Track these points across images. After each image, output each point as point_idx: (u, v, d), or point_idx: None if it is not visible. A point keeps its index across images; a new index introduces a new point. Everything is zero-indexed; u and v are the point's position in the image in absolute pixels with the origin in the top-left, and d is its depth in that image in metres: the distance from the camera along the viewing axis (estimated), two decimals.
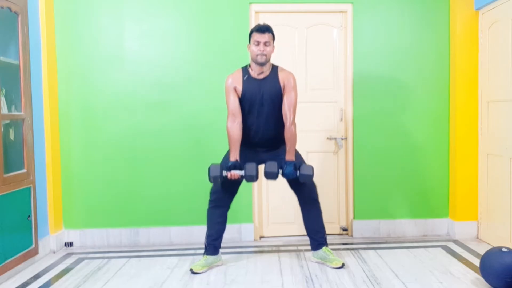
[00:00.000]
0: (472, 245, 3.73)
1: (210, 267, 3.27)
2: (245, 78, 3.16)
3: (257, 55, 3.08)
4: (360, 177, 4.05)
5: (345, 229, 4.13)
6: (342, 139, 4.07)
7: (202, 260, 3.28)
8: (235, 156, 3.13)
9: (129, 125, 3.93)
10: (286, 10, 4.01)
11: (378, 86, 4.02)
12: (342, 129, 4.09)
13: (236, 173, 3.08)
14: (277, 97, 3.16)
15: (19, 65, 3.33)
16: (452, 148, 4.00)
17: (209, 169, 3.10)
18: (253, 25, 3.95)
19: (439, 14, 4.00)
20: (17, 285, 3.05)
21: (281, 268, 3.28)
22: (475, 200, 3.93)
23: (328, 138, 4.09)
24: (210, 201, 3.31)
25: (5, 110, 3.21)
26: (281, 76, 3.17)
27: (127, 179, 3.94)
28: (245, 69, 3.21)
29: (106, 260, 3.55)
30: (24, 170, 3.36)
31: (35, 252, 3.46)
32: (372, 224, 4.06)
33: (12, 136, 3.38)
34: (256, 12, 3.98)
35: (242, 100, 3.16)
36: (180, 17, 3.94)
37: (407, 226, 4.06)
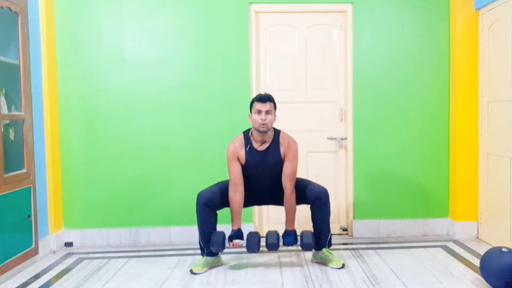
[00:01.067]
0: (472, 245, 3.73)
1: (210, 267, 3.27)
2: (247, 149, 3.20)
3: (259, 125, 3.11)
4: (360, 177, 4.05)
5: (345, 229, 4.13)
6: (342, 139, 4.07)
7: (202, 260, 3.28)
8: (237, 225, 3.20)
9: (129, 125, 3.93)
10: (286, 10, 4.01)
11: (378, 86, 4.02)
12: (342, 129, 4.09)
13: (238, 243, 3.17)
14: (279, 166, 3.23)
15: (19, 65, 3.33)
16: (452, 148, 4.00)
17: (212, 239, 3.14)
18: (253, 25, 3.96)
19: (439, 14, 4.00)
20: (17, 285, 3.05)
21: (281, 268, 3.28)
22: (475, 200, 3.93)
23: (328, 138, 4.09)
24: (201, 203, 3.20)
25: (5, 110, 3.21)
26: (282, 144, 3.22)
27: (127, 179, 3.94)
28: (246, 137, 3.23)
29: (106, 260, 3.55)
30: (24, 170, 3.36)
31: (35, 252, 3.46)
32: (372, 224, 4.06)
33: (12, 136, 3.38)
34: (256, 12, 3.98)
35: (244, 168, 3.22)
36: (180, 17, 3.94)
37: (407, 226, 4.06)
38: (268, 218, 4.10)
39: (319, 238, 3.29)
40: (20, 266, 3.29)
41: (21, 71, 3.33)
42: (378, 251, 3.65)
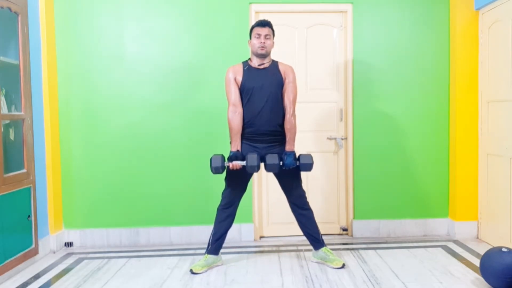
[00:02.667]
0: (472, 245, 3.73)
1: (210, 267, 3.27)
2: (245, 68, 3.22)
3: (257, 47, 3.15)
4: (360, 177, 4.05)
5: (345, 229, 4.13)
6: (342, 139, 4.07)
7: (202, 260, 3.28)
8: (236, 147, 3.16)
9: (129, 125, 3.93)
10: (286, 10, 4.01)
11: (378, 86, 4.02)
12: (342, 129, 4.09)
13: (237, 163, 3.10)
14: (278, 86, 3.20)
15: (19, 65, 3.33)
16: (452, 148, 4.00)
17: (211, 160, 3.12)
18: None
19: (439, 14, 4.00)
20: (17, 285, 3.05)
21: (281, 268, 3.28)
22: (475, 200, 3.93)
23: (328, 138, 4.09)
24: (221, 203, 3.30)
25: (5, 110, 3.21)
26: (281, 68, 3.25)
27: (127, 179, 3.94)
28: (245, 62, 3.28)
29: (106, 260, 3.55)
30: (24, 170, 3.36)
31: (35, 252, 3.46)
32: (372, 224, 4.06)
33: (12, 136, 3.38)
34: (256, 12, 3.98)
35: (242, 90, 3.20)
36: (180, 17, 3.94)
37: (407, 226, 4.06)
38: (268, 219, 4.10)
39: (313, 237, 3.33)
40: (20, 266, 3.29)
41: (21, 71, 3.33)
42: (378, 251, 3.65)
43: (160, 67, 3.94)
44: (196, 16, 3.94)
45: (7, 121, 3.30)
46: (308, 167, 3.17)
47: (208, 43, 3.94)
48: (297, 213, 3.33)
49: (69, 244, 3.93)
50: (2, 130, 3.11)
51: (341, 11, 4.04)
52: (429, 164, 4.05)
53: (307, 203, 3.33)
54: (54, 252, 3.76)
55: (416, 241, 3.89)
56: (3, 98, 3.21)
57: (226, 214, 3.27)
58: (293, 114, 3.20)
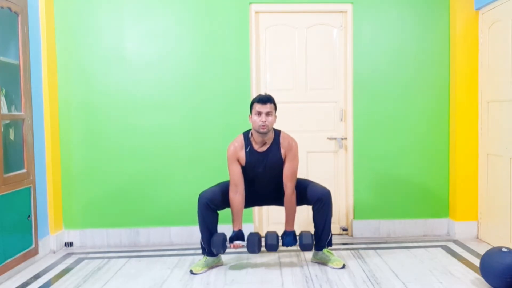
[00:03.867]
0: (472, 245, 3.73)
1: (210, 267, 3.27)
2: (247, 150, 3.20)
3: (259, 126, 3.10)
4: (360, 177, 4.05)
5: (345, 229, 4.13)
6: (342, 139, 4.07)
7: (202, 260, 3.28)
8: (238, 226, 3.21)
9: (129, 125, 3.93)
10: (286, 10, 4.01)
11: (378, 86, 4.02)
12: (342, 129, 4.09)
13: (238, 244, 3.17)
14: (279, 166, 3.23)
15: (19, 65, 3.33)
16: (452, 148, 4.00)
17: (212, 239, 3.15)
18: (253, 25, 3.96)
19: (439, 14, 4.00)
20: (17, 285, 3.05)
21: (281, 268, 3.28)
22: (475, 200, 3.93)
23: (328, 138, 4.09)
24: (203, 203, 3.19)
25: (5, 110, 3.21)
26: (282, 144, 3.21)
27: (127, 179, 3.94)
28: (246, 138, 3.23)
29: (106, 260, 3.55)
30: (24, 170, 3.36)
31: (35, 252, 3.46)
32: (372, 224, 4.06)
33: (12, 136, 3.38)
34: (256, 12, 3.98)
35: (245, 169, 3.22)
36: (180, 17, 3.94)
37: (407, 226, 4.06)
38: (268, 218, 4.10)
39: (320, 239, 3.29)
40: (20, 266, 3.29)
41: (21, 71, 3.34)
42: (378, 251, 3.65)
43: (160, 66, 3.94)
44: (196, 16, 3.94)
45: (7, 121, 3.30)
46: (308, 247, 3.23)
47: (208, 43, 3.94)
48: (314, 213, 3.27)
49: (69, 244, 3.93)
50: (2, 130, 3.11)
51: (341, 11, 4.04)
52: (429, 164, 4.05)
53: (326, 201, 3.20)
54: (54, 252, 3.76)
55: (416, 241, 3.89)
56: (3, 98, 3.21)
57: (211, 215, 3.21)
58: (293, 192, 3.21)
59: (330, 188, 4.07)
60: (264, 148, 3.20)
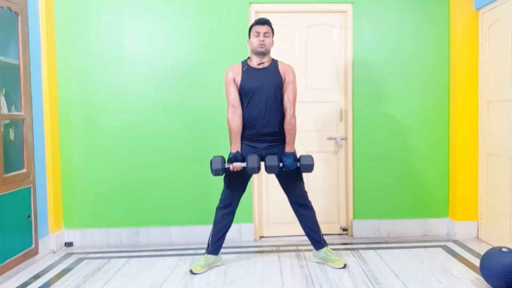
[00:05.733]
0: (472, 245, 3.73)
1: (210, 267, 3.27)
2: (244, 68, 3.20)
3: (257, 45, 3.14)
4: (360, 177, 4.05)
5: (345, 229, 4.13)
6: (342, 139, 4.07)
7: (202, 260, 3.28)
8: (236, 148, 3.16)
9: (129, 125, 3.93)
10: (286, 10, 4.01)
11: (378, 86, 4.02)
12: (342, 129, 4.09)
13: (238, 165, 3.10)
14: (277, 87, 3.18)
15: (19, 65, 3.33)
16: (452, 148, 4.00)
17: (211, 162, 3.12)
18: None
19: (439, 14, 4.00)
20: (17, 285, 3.05)
21: (281, 268, 3.28)
22: (475, 200, 3.93)
23: (328, 138, 4.09)
24: (220, 203, 3.30)
25: (5, 110, 3.21)
26: (281, 68, 3.22)
27: (127, 179, 3.94)
28: (244, 62, 3.26)
29: (106, 260, 3.55)
30: (24, 170, 3.36)
31: (35, 252, 3.46)
32: (372, 224, 4.06)
33: (12, 136, 3.38)
34: (256, 12, 3.98)
35: (241, 92, 3.18)
36: (180, 17, 3.94)
37: (407, 226, 4.06)
38: (268, 218, 4.10)
39: (314, 238, 3.32)
40: (20, 266, 3.29)
41: (21, 71, 3.33)
42: (378, 251, 3.65)
43: (160, 67, 3.94)
44: (196, 16, 3.94)
45: (7, 121, 3.30)
46: (309, 168, 3.16)
47: (208, 43, 3.94)
48: (298, 213, 3.32)
49: (69, 244, 3.93)
50: (2, 130, 3.11)
51: (341, 11, 4.04)
52: (429, 164, 4.05)
53: (308, 203, 3.32)
54: (54, 252, 3.76)
55: (416, 241, 3.89)
56: (3, 98, 3.21)
57: (226, 213, 3.27)
58: (293, 115, 3.19)
59: (330, 188, 4.11)
60: (262, 66, 3.20)
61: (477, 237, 3.94)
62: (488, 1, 3.65)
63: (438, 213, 4.08)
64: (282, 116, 3.19)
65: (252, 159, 3.06)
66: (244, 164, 3.09)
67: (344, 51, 4.06)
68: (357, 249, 3.71)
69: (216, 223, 3.29)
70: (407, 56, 4.01)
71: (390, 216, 4.06)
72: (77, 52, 3.89)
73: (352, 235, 4.07)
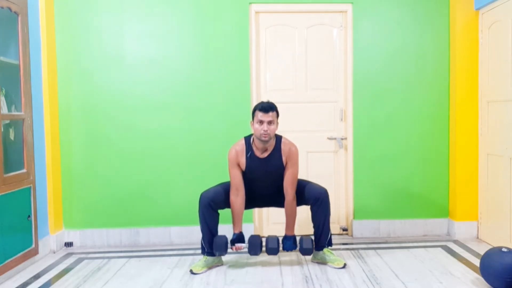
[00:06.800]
0: (472, 245, 3.73)
1: (210, 267, 3.27)
2: (248, 155, 3.20)
3: (260, 135, 3.11)
4: (360, 177, 4.04)
5: (345, 229, 4.13)
6: (342, 139, 4.07)
7: (202, 260, 3.28)
8: (238, 229, 3.24)
9: (129, 125, 3.93)
10: (286, 10, 4.01)
11: (378, 86, 4.02)
12: (342, 129, 4.09)
13: (240, 246, 3.21)
14: (280, 171, 3.25)
15: (19, 65, 3.32)
16: (452, 148, 4.00)
17: (214, 243, 3.18)
18: (253, 25, 3.96)
19: (439, 14, 4.00)
20: (17, 285, 3.05)
21: (281, 268, 3.28)
22: (475, 200, 3.93)
23: (328, 138, 4.09)
24: (204, 203, 3.19)
25: (5, 110, 3.21)
26: (284, 150, 3.22)
27: (127, 179, 3.94)
28: (248, 143, 3.23)
29: (106, 260, 3.55)
30: (24, 170, 3.36)
31: (35, 252, 3.46)
32: (372, 224, 4.06)
33: (12, 136, 3.38)
34: (256, 12, 3.98)
35: (245, 173, 3.23)
36: (180, 17, 3.94)
37: (407, 226, 4.06)
38: (268, 218, 4.10)
39: (320, 239, 3.30)
40: (20, 266, 3.29)
41: (21, 71, 3.33)
42: (378, 251, 3.65)
43: (160, 67, 3.94)
44: (196, 16, 3.94)
45: (7, 121, 3.30)
46: (308, 252, 3.26)
47: (208, 43, 3.94)
48: (313, 213, 3.27)
49: (69, 244, 3.93)
50: (2, 130, 3.11)
51: (341, 11, 4.04)
52: (429, 164, 4.05)
53: (324, 201, 3.21)
54: (54, 252, 3.76)
55: (416, 241, 3.89)
56: (3, 98, 3.21)
57: (211, 214, 3.21)
58: (294, 198, 3.23)
59: (330, 188, 4.09)
60: (266, 155, 3.21)
61: (477, 237, 3.94)
62: (488, 1, 3.65)
63: (438, 213, 4.07)
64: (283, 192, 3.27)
65: (255, 243, 3.20)
66: (246, 246, 3.22)
67: (344, 51, 4.05)
68: (357, 249, 3.71)
69: (207, 225, 3.22)
70: (407, 56, 4.01)
71: (390, 216, 4.06)
72: (77, 52, 3.89)
73: (352, 235, 4.07)
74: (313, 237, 3.32)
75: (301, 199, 3.28)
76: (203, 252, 3.30)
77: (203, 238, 3.26)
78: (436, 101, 4.04)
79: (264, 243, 3.30)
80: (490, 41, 3.73)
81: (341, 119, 4.08)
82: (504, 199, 3.55)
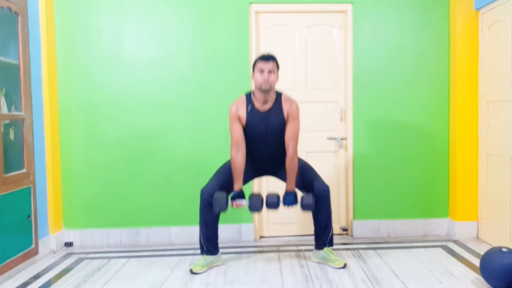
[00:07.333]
0: (472, 245, 3.73)
1: (210, 267, 3.27)
2: (249, 109, 3.17)
3: (261, 83, 3.08)
4: (360, 177, 4.05)
5: (345, 229, 4.13)
6: (342, 139, 4.07)
7: (202, 260, 3.28)
8: (239, 185, 3.16)
9: (129, 125, 3.93)
10: (286, 10, 4.01)
11: (378, 86, 4.02)
12: (342, 129, 4.09)
13: (240, 203, 3.13)
14: (281, 127, 3.19)
15: (19, 65, 3.32)
16: (452, 148, 4.00)
17: (214, 198, 3.11)
18: (253, 25, 3.96)
19: (439, 14, 4.00)
20: (17, 285, 3.05)
21: (281, 268, 3.28)
22: (475, 200, 3.93)
23: (328, 138, 4.09)
24: (206, 200, 3.19)
25: (5, 110, 3.21)
26: (284, 106, 3.19)
27: (127, 179, 3.94)
28: (248, 98, 3.21)
29: (106, 260, 3.55)
30: (24, 170, 3.36)
31: (35, 252, 3.46)
32: (372, 224, 4.06)
33: (12, 136, 3.38)
34: (256, 12, 3.98)
35: (246, 130, 3.19)
36: (180, 17, 3.94)
37: (407, 226, 4.06)
38: (268, 218, 4.10)
39: (321, 237, 3.30)
40: (20, 266, 3.29)
41: (21, 71, 3.33)
42: (378, 251, 3.65)
43: (160, 67, 3.94)
44: (196, 16, 3.94)
45: (7, 121, 3.30)
46: (309, 207, 3.17)
47: (208, 43, 3.94)
48: (317, 205, 3.24)
49: (69, 244, 3.93)
50: (2, 130, 3.11)
51: (341, 11, 4.04)
52: (429, 164, 4.05)
53: (327, 198, 3.23)
54: (54, 252, 3.76)
55: (416, 241, 3.89)
56: (3, 98, 3.21)
57: (211, 212, 3.20)
58: (295, 153, 3.17)
59: (330, 188, 4.08)
60: (266, 107, 3.17)
61: (477, 237, 3.94)
62: (488, 1, 3.65)
63: (438, 213, 4.07)
64: (285, 151, 3.19)
65: (254, 198, 3.11)
66: (246, 202, 3.13)
67: (344, 51, 4.05)
68: (357, 249, 3.71)
69: (207, 223, 3.23)
70: (407, 56, 4.01)
71: (390, 216, 4.06)
72: (77, 52, 3.89)
73: (352, 235, 4.07)
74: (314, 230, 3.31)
75: (305, 186, 3.26)
76: (202, 252, 3.30)
77: (201, 235, 3.26)
78: (436, 101, 4.04)
79: (265, 201, 3.20)
80: (490, 41, 3.73)
81: (341, 119, 4.08)
82: (504, 199, 3.55)
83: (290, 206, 3.19)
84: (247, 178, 3.31)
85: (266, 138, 3.19)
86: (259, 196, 3.12)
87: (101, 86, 3.91)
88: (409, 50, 4.01)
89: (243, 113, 3.16)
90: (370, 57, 4.01)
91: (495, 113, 3.68)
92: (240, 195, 3.14)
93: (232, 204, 3.12)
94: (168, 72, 3.94)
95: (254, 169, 3.32)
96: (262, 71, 3.08)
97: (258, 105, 3.17)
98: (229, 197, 3.15)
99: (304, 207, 3.15)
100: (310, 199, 3.14)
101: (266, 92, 3.11)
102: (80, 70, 3.90)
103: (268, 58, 3.12)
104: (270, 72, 3.09)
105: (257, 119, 3.16)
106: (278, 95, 3.21)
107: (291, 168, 3.17)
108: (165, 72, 3.94)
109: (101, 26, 3.90)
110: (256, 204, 3.10)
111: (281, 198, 3.18)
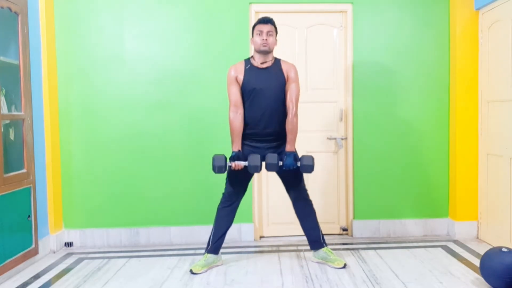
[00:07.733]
0: (472, 245, 3.73)
1: (210, 267, 3.27)
2: (247, 67, 3.18)
3: (260, 44, 3.12)
4: (360, 177, 4.05)
5: (345, 229, 4.13)
6: (342, 139, 4.07)
7: (202, 260, 3.28)
8: (237, 147, 3.15)
9: (129, 125, 3.93)
10: (286, 10, 4.01)
11: (378, 86, 4.02)
12: (342, 129, 4.09)
13: (240, 164, 3.09)
14: (280, 87, 3.17)
15: (19, 65, 3.33)
16: (452, 148, 4.00)
17: (213, 159, 3.10)
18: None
19: (439, 14, 4.00)
20: (17, 285, 3.05)
21: (281, 268, 3.28)
22: (475, 200, 3.93)
23: (328, 138, 4.09)
24: (222, 202, 3.30)
25: (5, 110, 3.21)
26: (284, 67, 3.20)
27: (127, 179, 3.94)
28: (247, 60, 3.24)
29: (106, 260, 3.55)
30: (24, 170, 3.36)
31: (35, 252, 3.46)
32: (372, 224, 4.06)
33: (12, 136, 3.38)
34: (256, 12, 3.98)
35: (244, 91, 3.17)
36: (180, 17, 3.94)
37: (407, 226, 4.06)
38: (268, 219, 4.10)
39: (312, 236, 3.33)
40: (20, 266, 3.29)
41: (21, 71, 3.33)
42: (378, 251, 3.65)
43: (160, 67, 3.94)
44: (196, 16, 3.94)
45: (7, 121, 3.30)
46: (309, 168, 3.13)
47: (208, 43, 3.94)
48: (300, 210, 3.32)
49: (69, 244, 3.93)
50: (2, 130, 3.11)
51: (341, 11, 4.04)
52: (429, 164, 4.05)
53: (309, 201, 3.33)
54: (54, 252, 3.76)
55: (416, 241, 3.89)
56: (3, 98, 3.21)
57: (227, 213, 3.27)
58: (295, 114, 3.17)
59: (330, 188, 4.11)
60: (265, 66, 3.18)
61: (477, 237, 3.94)
62: (488, 1, 3.65)
63: (438, 213, 4.08)
64: (284, 116, 3.18)
65: (254, 158, 3.07)
66: (245, 163, 3.09)
67: (344, 51, 4.06)
68: (357, 249, 3.71)
69: (217, 222, 3.29)
70: (407, 56, 4.01)
71: (390, 216, 4.06)
72: (77, 52, 3.89)
73: (352, 235, 4.07)
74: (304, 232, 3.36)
75: (291, 184, 3.30)
76: (206, 250, 3.31)
77: (212, 235, 3.29)
78: (436, 101, 4.04)
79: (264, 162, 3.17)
80: (490, 41, 3.73)
81: (341, 119, 4.08)
82: (504, 199, 3.55)
83: (290, 168, 3.12)
84: (245, 152, 3.21)
85: (264, 97, 3.14)
86: (258, 157, 3.08)
87: (101, 86, 3.91)
88: (409, 50, 4.01)
89: (241, 72, 3.17)
90: (370, 57, 4.01)
91: (495, 113, 3.68)
92: (239, 156, 3.12)
93: (231, 165, 3.10)
94: (168, 72, 3.94)
95: (255, 148, 3.21)
96: (261, 32, 3.12)
97: (257, 64, 3.19)
98: (228, 158, 3.14)
99: (303, 168, 3.13)
100: (310, 160, 3.11)
101: (265, 53, 3.14)
102: (80, 70, 3.90)
103: (266, 20, 3.16)
104: (268, 34, 3.13)
105: (256, 75, 3.16)
106: (277, 59, 3.24)
107: (291, 128, 3.17)
108: (165, 72, 3.94)
109: (101, 26, 3.90)
110: (255, 164, 3.06)
111: (282, 162, 3.13)
